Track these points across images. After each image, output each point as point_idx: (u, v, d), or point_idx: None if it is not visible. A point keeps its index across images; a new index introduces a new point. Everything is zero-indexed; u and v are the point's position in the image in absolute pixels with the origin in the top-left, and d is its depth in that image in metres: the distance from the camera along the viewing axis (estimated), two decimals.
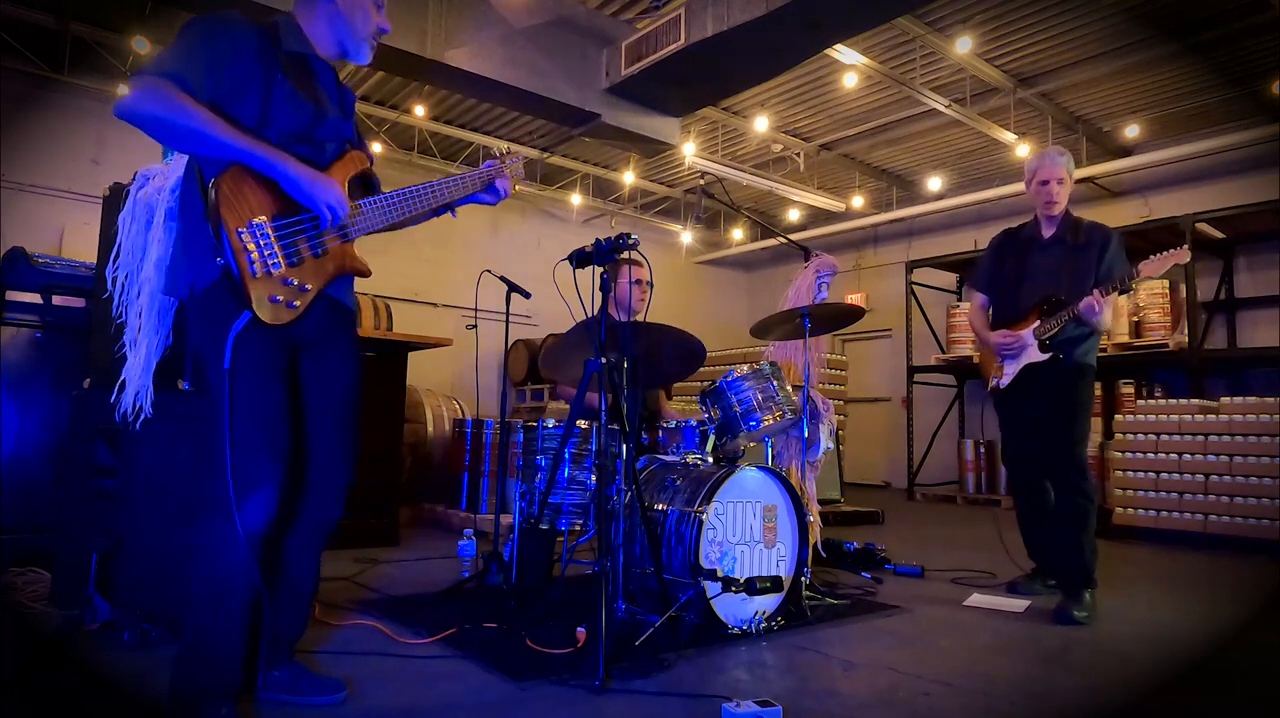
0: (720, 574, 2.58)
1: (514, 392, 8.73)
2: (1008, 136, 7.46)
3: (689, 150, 8.02)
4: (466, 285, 4.34)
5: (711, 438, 3.12)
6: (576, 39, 6.35)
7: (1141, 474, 5.56)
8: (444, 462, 5.92)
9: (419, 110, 7.79)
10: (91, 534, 2.47)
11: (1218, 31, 6.02)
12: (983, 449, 8.18)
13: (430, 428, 6.22)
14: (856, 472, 9.86)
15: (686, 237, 11.33)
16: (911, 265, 8.91)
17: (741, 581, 2.61)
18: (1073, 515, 3.10)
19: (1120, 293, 3.38)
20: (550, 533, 3.05)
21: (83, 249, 5.45)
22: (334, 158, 1.88)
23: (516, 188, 2.23)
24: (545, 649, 2.35)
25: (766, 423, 3.06)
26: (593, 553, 3.01)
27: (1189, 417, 5.43)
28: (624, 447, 2.55)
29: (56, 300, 3.45)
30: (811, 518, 3.13)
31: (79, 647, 2.30)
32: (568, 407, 3.06)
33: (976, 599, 3.26)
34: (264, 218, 1.70)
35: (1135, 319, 7.12)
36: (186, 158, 1.80)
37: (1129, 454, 5.67)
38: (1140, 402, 6.23)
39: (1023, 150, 7.50)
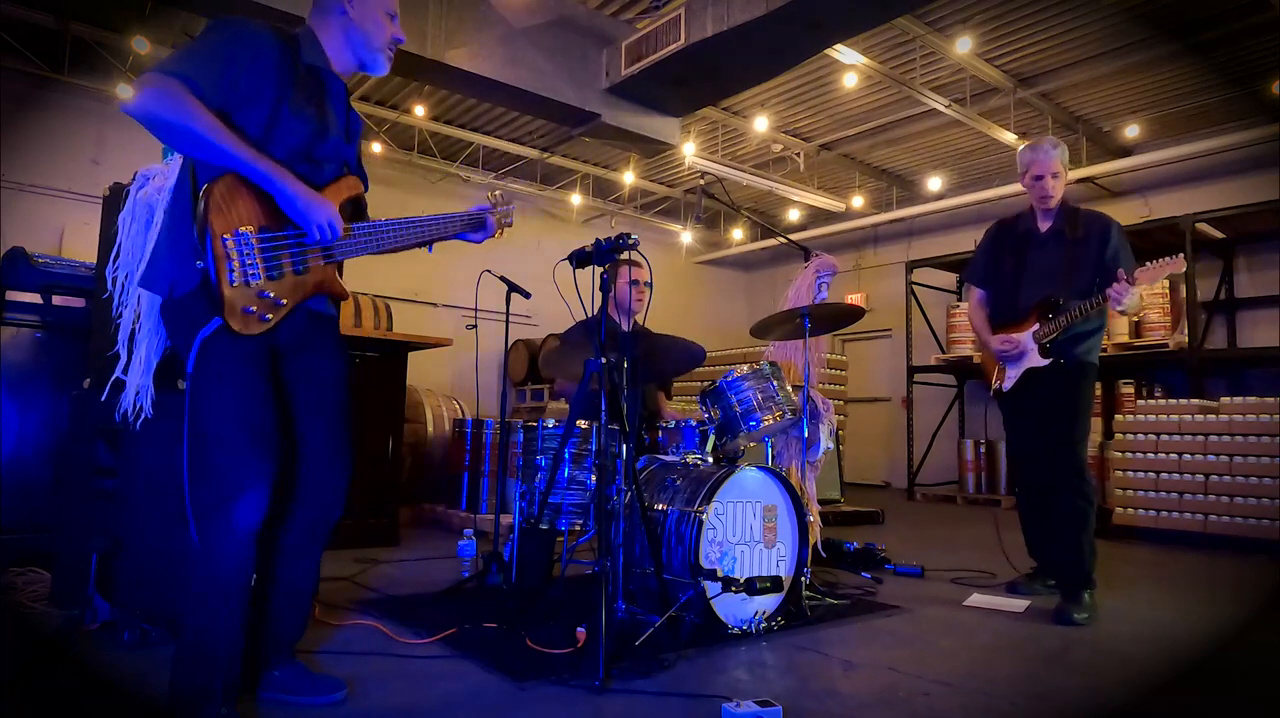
0: (720, 574, 2.58)
1: (514, 392, 8.73)
2: (1008, 136, 7.46)
3: (689, 150, 8.02)
4: (466, 285, 4.34)
5: (711, 438, 3.12)
6: (576, 39, 6.35)
7: (1141, 474, 5.56)
8: (444, 462, 5.92)
9: (419, 110, 7.78)
10: (91, 534, 2.47)
11: (1218, 31, 6.02)
12: (983, 449, 8.18)
13: (430, 428, 6.22)
14: (856, 472, 9.86)
15: (686, 237, 11.33)
16: (911, 265, 8.91)
17: (741, 581, 2.61)
18: (1071, 516, 3.09)
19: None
20: (550, 533, 3.05)
21: (83, 249, 5.45)
22: (330, 179, 1.88)
23: (501, 234, 2.27)
24: (545, 649, 2.35)
25: (766, 423, 3.06)
26: (593, 553, 3.01)
27: (1189, 417, 5.43)
28: (624, 447, 2.55)
29: (56, 300, 3.45)
30: (811, 518, 3.13)
31: (79, 647, 2.30)
32: (568, 407, 3.07)
33: (976, 599, 3.26)
34: (251, 228, 1.70)
35: (1135, 319, 7.11)
36: (183, 158, 1.80)
37: (1129, 454, 5.67)
38: (1140, 402, 6.23)
39: None
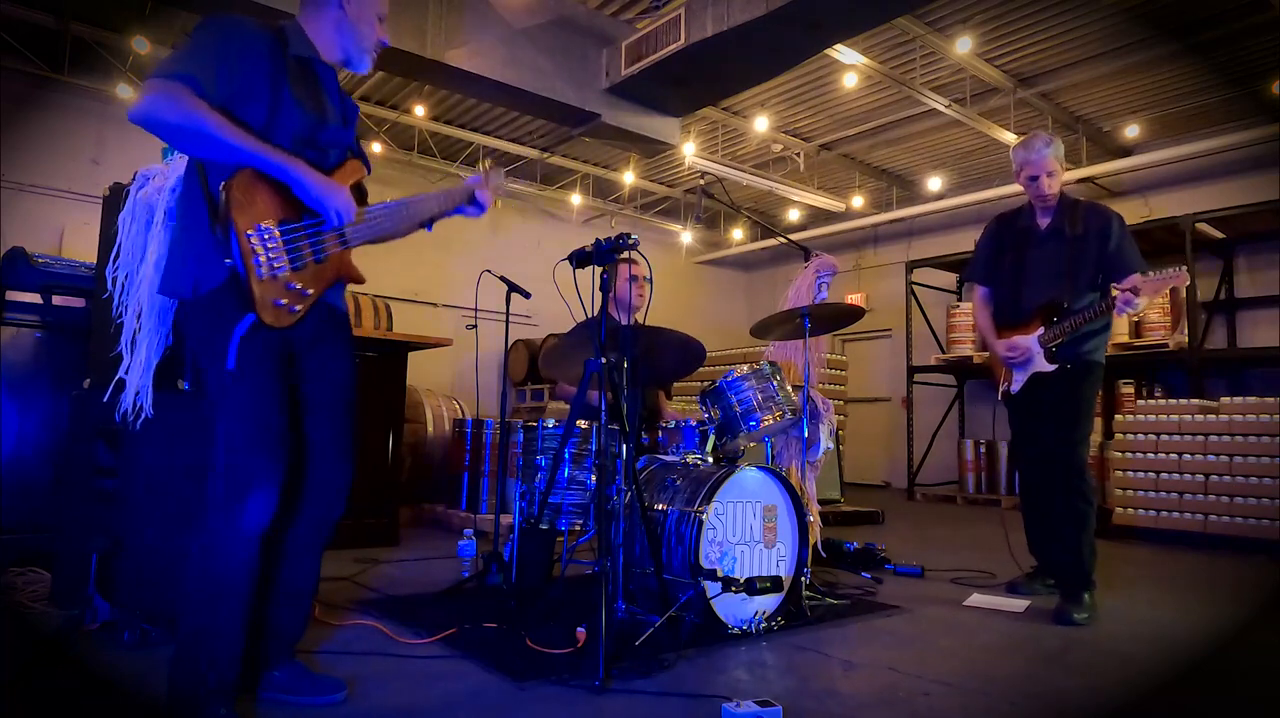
0: (720, 574, 2.58)
1: (514, 392, 8.73)
2: (1008, 136, 7.46)
3: (689, 150, 8.02)
4: (466, 285, 4.34)
5: (711, 438, 3.12)
6: (576, 39, 6.35)
7: (1141, 474, 5.56)
8: (444, 462, 5.92)
9: (419, 110, 7.78)
10: (91, 534, 2.47)
11: (1218, 31, 6.02)
12: (983, 449, 8.18)
13: (430, 428, 6.22)
14: (856, 472, 9.86)
15: (686, 237, 11.33)
16: (911, 265, 8.91)
17: (741, 581, 2.61)
18: (1071, 517, 3.08)
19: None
20: (550, 533, 3.05)
21: (83, 249, 5.45)
22: (336, 164, 1.90)
23: (498, 203, 2.26)
24: (545, 649, 2.35)
25: (766, 423, 3.06)
26: (593, 553, 3.01)
27: (1189, 417, 5.43)
28: (624, 447, 2.55)
29: (56, 300, 3.45)
30: (811, 518, 3.13)
31: (79, 647, 2.30)
32: (568, 407, 3.07)
33: (976, 599, 3.26)
34: (271, 222, 1.72)
35: (1135, 319, 7.12)
36: (187, 158, 1.81)
37: (1129, 454, 5.67)
38: (1140, 402, 6.23)
39: None
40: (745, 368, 3.14)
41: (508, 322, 3.74)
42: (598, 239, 2.52)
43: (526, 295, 3.65)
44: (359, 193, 2.00)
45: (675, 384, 4.48)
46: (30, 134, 6.92)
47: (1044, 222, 3.29)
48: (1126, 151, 8.06)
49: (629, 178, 9.48)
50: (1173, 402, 5.73)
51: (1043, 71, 6.94)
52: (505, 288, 3.65)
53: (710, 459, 3.05)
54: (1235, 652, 2.74)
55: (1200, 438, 5.33)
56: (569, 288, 2.74)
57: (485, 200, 2.16)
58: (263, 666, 1.93)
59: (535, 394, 8.51)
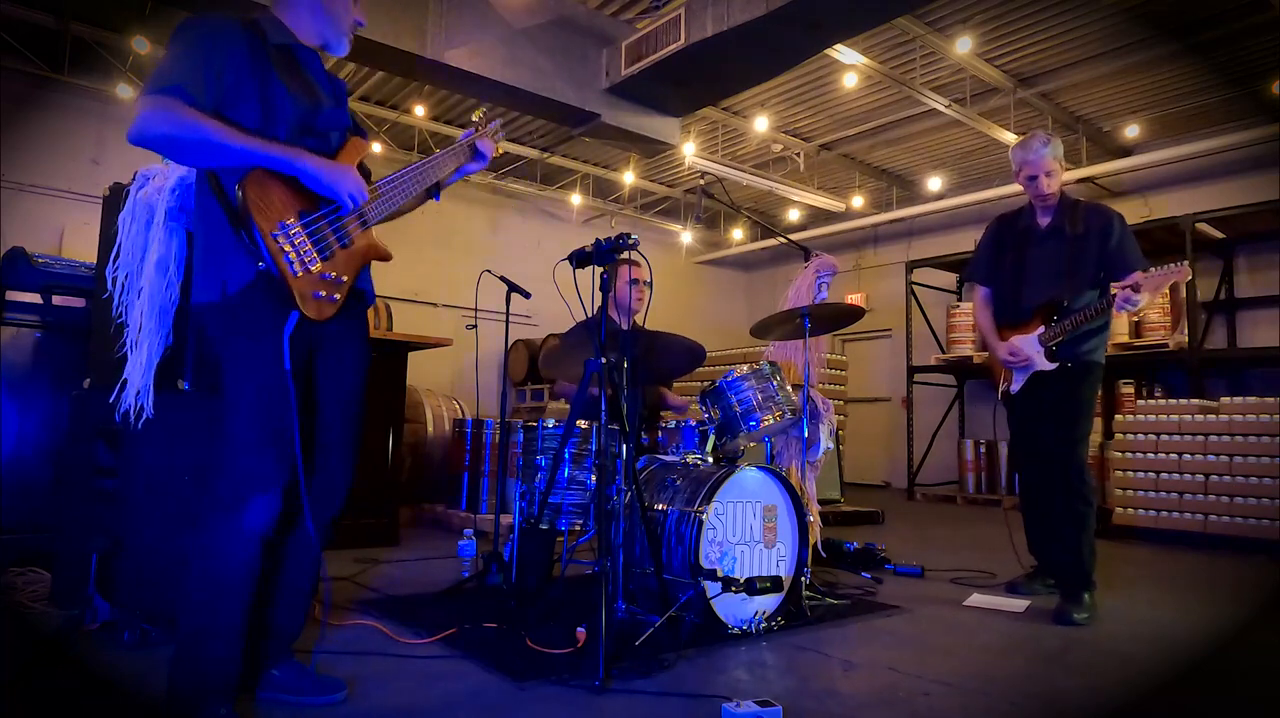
0: (720, 574, 2.58)
1: (514, 392, 8.73)
2: (1008, 136, 7.46)
3: (689, 150, 8.02)
4: (466, 285, 4.34)
5: (711, 438, 3.12)
6: (576, 39, 6.34)
7: (1141, 474, 5.56)
8: (444, 462, 5.92)
9: (419, 110, 7.78)
10: (91, 534, 2.47)
11: (1218, 31, 6.02)
12: (983, 449, 8.18)
13: (430, 428, 6.22)
14: (856, 472, 9.86)
15: (686, 237, 11.33)
16: (911, 265, 8.91)
17: (741, 581, 2.61)
18: (1071, 517, 3.08)
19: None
20: (550, 533, 3.04)
21: (83, 249, 5.45)
22: (338, 147, 1.88)
23: (500, 149, 2.24)
24: (545, 649, 2.35)
25: (766, 423, 3.06)
26: (593, 553, 3.01)
27: (1189, 417, 5.43)
28: (624, 447, 2.55)
29: (56, 300, 3.45)
30: (811, 518, 3.13)
31: (79, 647, 2.30)
32: (568, 407, 3.07)
33: (976, 599, 3.26)
34: (292, 218, 1.71)
35: (1135, 319, 7.12)
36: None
37: (1129, 454, 5.67)
38: (1140, 402, 6.22)
39: None
40: (745, 368, 3.14)
41: (508, 322, 3.74)
42: (598, 239, 2.52)
43: (526, 295, 3.65)
44: (363, 172, 2.00)
45: (675, 384, 4.48)
46: (30, 134, 6.92)
47: (1044, 221, 3.29)
48: (1126, 151, 8.06)
49: (629, 178, 9.48)
50: (1173, 402, 5.72)
51: (1043, 71, 6.94)
52: (505, 288, 3.65)
53: (710, 459, 3.05)
54: (1235, 652, 2.73)
55: (1200, 438, 5.33)
56: (569, 288, 2.74)
57: (486, 149, 2.15)
58: (262, 664, 1.93)
59: (535, 394, 8.51)
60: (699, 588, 2.53)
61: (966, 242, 9.17)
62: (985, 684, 2.20)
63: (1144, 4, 5.77)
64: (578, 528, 2.97)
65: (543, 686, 2.09)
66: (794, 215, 10.73)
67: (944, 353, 8.53)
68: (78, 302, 3.44)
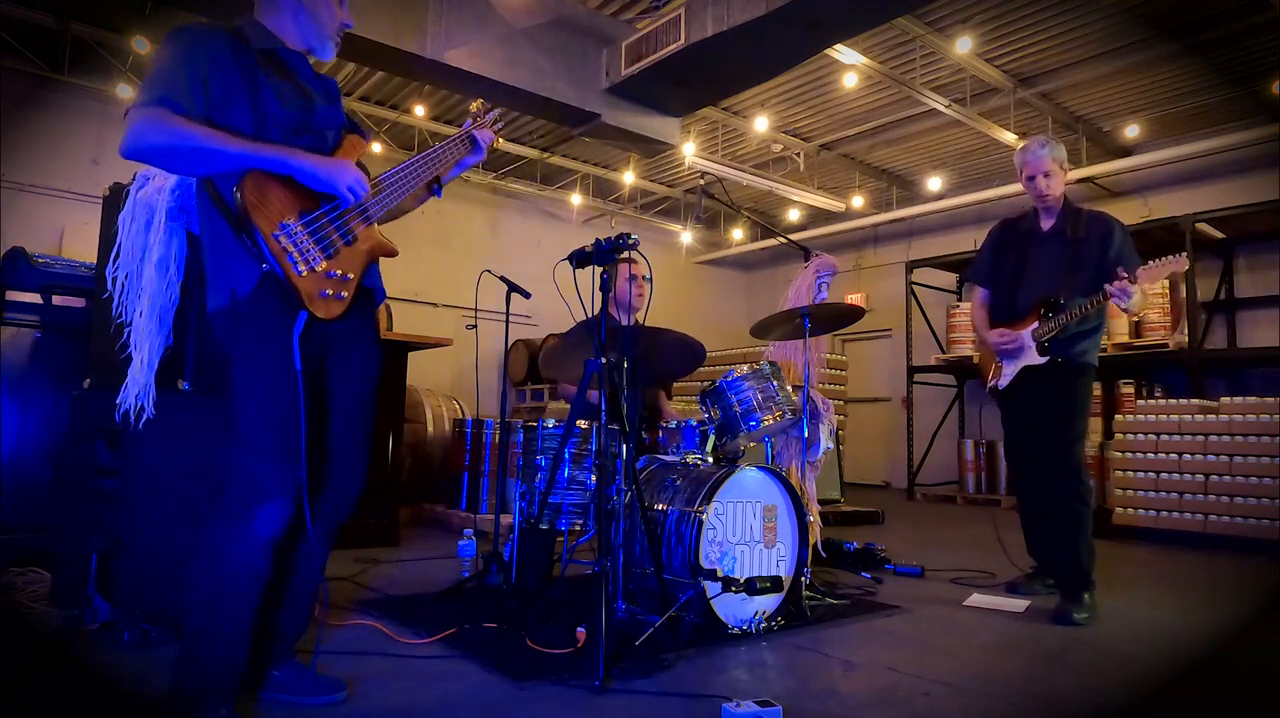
0: (720, 574, 2.58)
1: (514, 392, 8.73)
2: (1008, 136, 7.46)
3: (689, 150, 8.01)
4: (466, 285, 4.34)
5: (711, 438, 3.12)
6: (576, 39, 6.34)
7: (1141, 474, 5.56)
8: (444, 462, 5.92)
9: (419, 110, 7.78)
10: (91, 534, 2.47)
11: (1218, 31, 6.02)
12: (983, 449, 8.18)
13: (430, 428, 6.22)
14: (856, 472, 9.86)
15: (686, 237, 11.33)
16: (911, 265, 8.91)
17: (741, 581, 2.61)
18: (1069, 517, 3.08)
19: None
20: (550, 533, 3.04)
21: (83, 249, 5.45)
22: (335, 145, 1.88)
23: (499, 141, 2.23)
24: (545, 649, 2.35)
25: (766, 423, 3.06)
26: (593, 553, 3.01)
27: (1189, 417, 5.43)
28: (624, 447, 2.55)
29: (56, 300, 3.45)
30: (811, 518, 3.13)
31: (79, 647, 2.30)
32: (568, 407, 3.07)
33: (976, 599, 3.26)
34: (292, 218, 1.70)
35: (1135, 319, 7.12)
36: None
37: (1129, 454, 5.67)
38: (1140, 402, 6.23)
39: None
40: (745, 368, 3.14)
41: (508, 322, 3.74)
42: (598, 239, 2.52)
43: (526, 295, 3.65)
44: (361, 170, 1.99)
45: (675, 384, 4.48)
46: (30, 134, 6.92)
47: (1047, 224, 3.31)
48: (1126, 151, 8.06)
49: (629, 178, 9.48)
50: (1173, 402, 5.72)
51: (1043, 71, 6.94)
52: (505, 288, 3.65)
53: (710, 459, 3.05)
54: (1235, 652, 2.73)
55: (1200, 438, 5.33)
56: (569, 288, 2.74)
57: (484, 139, 2.13)
58: (264, 665, 1.92)
59: (535, 394, 8.51)
60: (699, 588, 2.53)
61: (966, 242, 9.19)
62: (985, 684, 2.20)
63: (1144, 4, 5.77)
64: (578, 528, 2.97)
65: (543, 686, 2.09)
66: (794, 215, 10.73)
67: (944, 353, 8.53)
68: (78, 302, 3.44)
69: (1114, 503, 5.68)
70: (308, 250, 1.70)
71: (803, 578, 2.91)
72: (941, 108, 7.13)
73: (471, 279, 3.89)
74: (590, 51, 6.43)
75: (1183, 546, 5.12)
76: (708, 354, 3.22)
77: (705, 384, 3.25)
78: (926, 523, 6.30)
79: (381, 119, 7.93)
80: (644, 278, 3.54)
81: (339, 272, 1.75)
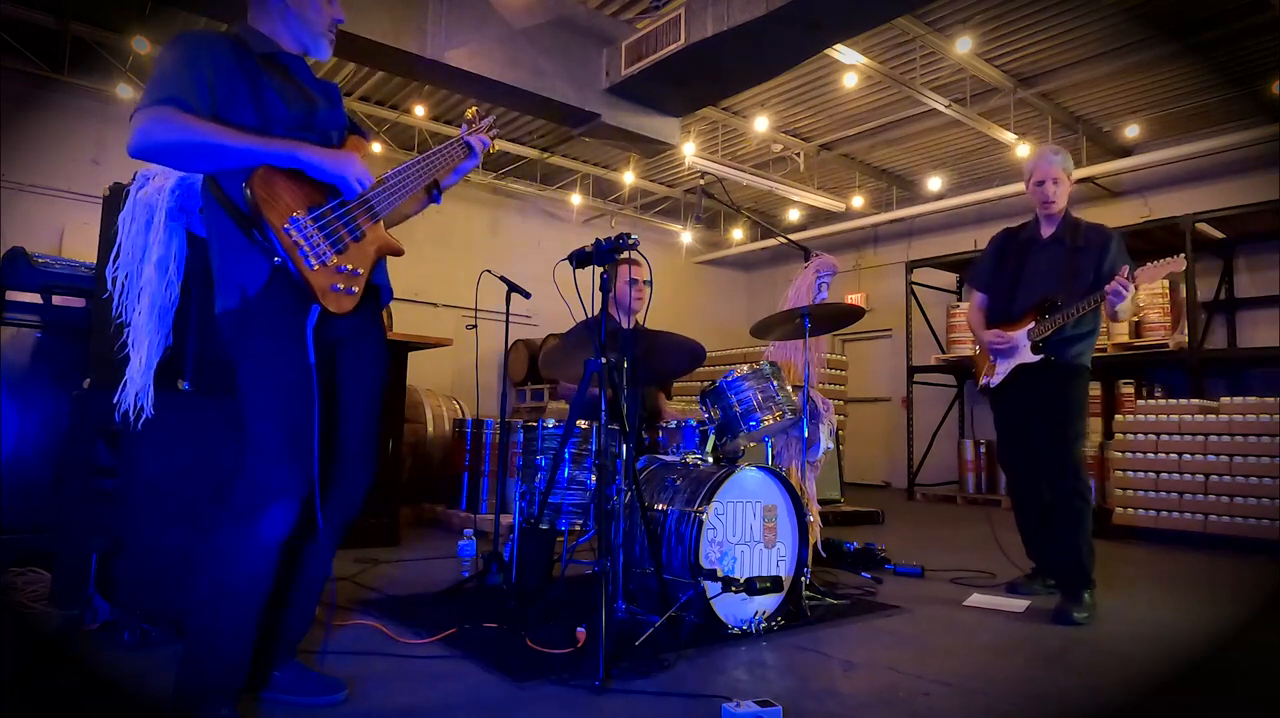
0: (720, 574, 2.58)
1: (514, 392, 8.73)
2: (1008, 136, 7.46)
3: (689, 150, 8.01)
4: (466, 285, 4.34)
5: (711, 438, 3.12)
6: (576, 39, 6.34)
7: (1141, 474, 5.56)
8: (444, 462, 5.92)
9: (419, 110, 7.78)
10: (91, 534, 2.47)
11: (1218, 31, 6.02)
12: (983, 449, 8.18)
13: (430, 428, 6.22)
14: (856, 472, 9.86)
15: (686, 237, 11.33)
16: (911, 265, 8.90)
17: (741, 581, 2.61)
18: (1069, 516, 3.09)
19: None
20: (550, 533, 3.05)
21: (83, 249, 5.45)
22: (339, 146, 1.89)
23: (496, 146, 2.23)
24: (545, 649, 2.35)
25: (766, 423, 3.06)
26: (593, 553, 3.01)
27: (1189, 417, 5.43)
28: (624, 447, 2.55)
29: (56, 300, 3.45)
30: (811, 518, 3.13)
31: (79, 647, 2.30)
32: (568, 407, 3.07)
33: (976, 599, 3.26)
34: (301, 212, 1.70)
35: (1135, 319, 7.12)
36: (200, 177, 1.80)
37: (1129, 454, 5.67)
38: (1140, 402, 6.23)
39: (1023, 150, 7.51)
40: (745, 368, 3.14)
41: (508, 322, 3.74)
42: (598, 239, 2.52)
43: (526, 295, 3.65)
44: None
45: (675, 384, 4.48)
46: (30, 134, 6.92)
47: (1047, 231, 3.38)
48: (1126, 151, 8.05)
49: (629, 178, 9.48)
50: (1173, 402, 5.73)
51: (1043, 71, 6.94)
52: (505, 288, 3.65)
53: (710, 459, 3.05)
54: (1235, 652, 2.74)
55: (1200, 438, 5.33)
56: (569, 288, 2.74)
57: (476, 143, 2.11)
58: (268, 665, 1.92)
59: (535, 394, 8.51)
60: (699, 588, 2.53)
61: (966, 242, 9.19)
62: (985, 684, 2.20)
63: (1144, 4, 5.77)
64: (578, 528, 2.97)
65: (543, 686, 2.09)
66: (794, 215, 10.73)
67: (944, 353, 8.53)
68: (78, 302, 3.44)
69: (1114, 503, 5.68)
70: (318, 244, 1.70)
71: (803, 578, 2.91)
72: (941, 108, 7.13)
73: (471, 279, 3.89)
74: (590, 51, 6.43)
75: (1183, 545, 5.12)
76: (708, 354, 3.22)
77: (705, 384, 3.25)
78: (926, 523, 6.30)
79: (381, 119, 7.92)
80: (644, 281, 3.54)
81: (349, 266, 1.75)
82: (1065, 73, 6.88)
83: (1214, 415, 5.34)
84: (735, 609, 2.64)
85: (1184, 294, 6.77)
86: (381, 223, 1.89)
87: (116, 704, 1.98)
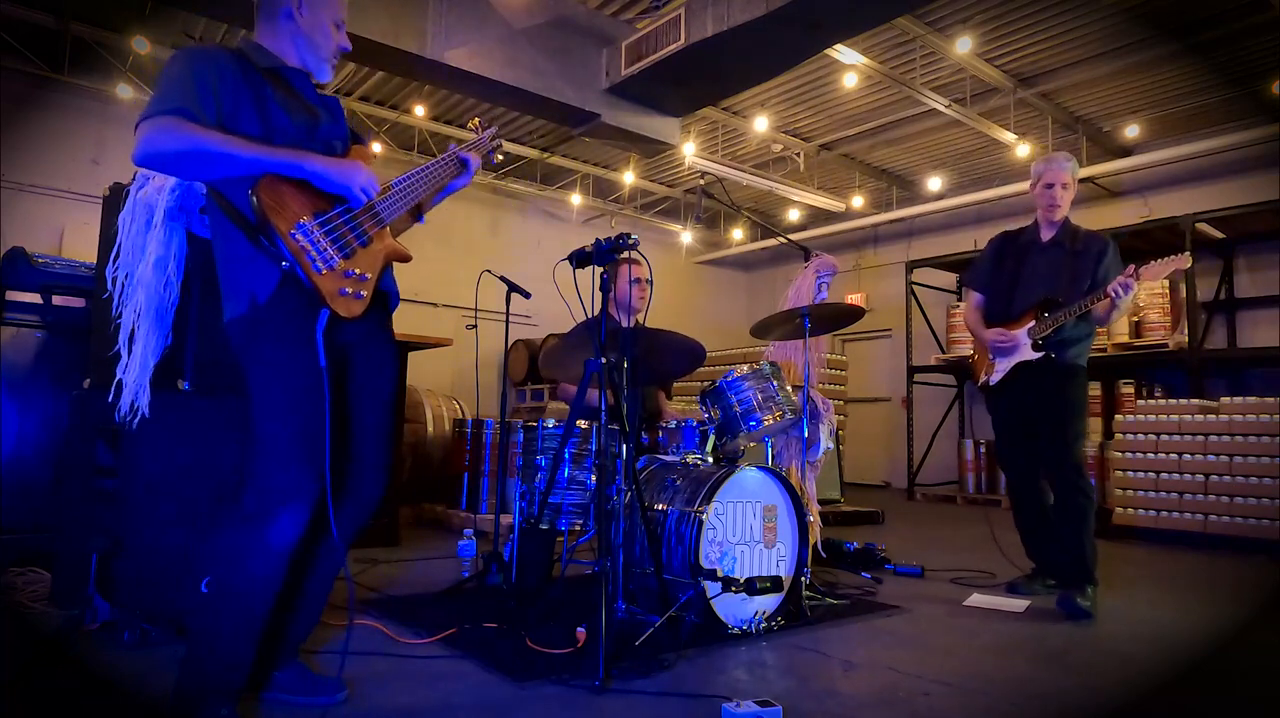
0: (720, 574, 2.58)
1: (514, 392, 8.73)
2: (1008, 136, 7.46)
3: (689, 150, 8.01)
4: (466, 285, 4.34)
5: (711, 438, 3.12)
6: (576, 39, 6.34)
7: (1141, 474, 5.56)
8: (444, 462, 5.92)
9: (419, 110, 7.78)
10: (91, 534, 2.47)
11: (1218, 31, 6.02)
12: (983, 449, 8.18)
13: (430, 428, 6.22)
14: (856, 472, 9.86)
15: (686, 237, 11.33)
16: (911, 265, 8.90)
17: (741, 581, 2.61)
18: (1072, 514, 3.10)
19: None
20: (550, 533, 3.05)
21: (83, 249, 5.45)
22: (343, 154, 1.88)
23: (500, 155, 2.24)
24: (545, 649, 2.35)
25: (766, 423, 3.06)
26: (593, 553, 3.01)
27: (1189, 417, 5.43)
28: (624, 447, 2.55)
29: (56, 300, 3.45)
30: (811, 518, 3.13)
31: (79, 647, 2.30)
32: (568, 407, 3.07)
33: (976, 599, 3.26)
34: (307, 217, 1.70)
35: (1135, 319, 7.12)
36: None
37: (1129, 454, 5.67)
38: (1140, 402, 6.23)
39: (1023, 150, 7.51)
40: (745, 368, 3.14)
41: (508, 322, 3.74)
42: (598, 239, 2.52)
43: (526, 295, 3.65)
44: None
45: (675, 384, 4.48)
46: (30, 134, 6.92)
47: (1047, 235, 3.40)
48: (1126, 151, 8.05)
49: (629, 178, 9.48)
50: (1173, 402, 5.73)
51: (1043, 71, 6.94)
52: (505, 288, 3.65)
53: (710, 459, 3.05)
54: (1235, 652, 2.74)
55: (1200, 438, 5.33)
56: (569, 288, 2.74)
57: (470, 159, 2.11)
58: (270, 666, 1.92)
59: (535, 394, 8.51)
60: (699, 588, 2.53)
61: (966, 242, 9.19)
62: (985, 684, 2.20)
63: (1144, 4, 5.77)
64: (578, 528, 2.98)
65: (543, 686, 2.09)
66: (794, 215, 10.73)
67: (944, 353, 8.53)
68: (78, 302, 3.44)
69: (1114, 503, 5.68)
70: (325, 249, 1.70)
71: (803, 578, 2.91)
72: (941, 108, 7.13)
73: (471, 279, 3.89)
74: (590, 51, 6.43)
75: (1183, 545, 5.12)
76: (708, 354, 3.22)
77: (705, 384, 3.25)
78: (926, 523, 6.30)
79: (381, 119, 7.93)
80: (645, 280, 3.55)
81: (357, 270, 1.75)
82: (1065, 73, 6.88)
83: (1214, 415, 5.34)
84: (735, 609, 2.64)
85: (1184, 294, 6.77)
86: (389, 229, 1.89)
87: (116, 704, 1.98)
